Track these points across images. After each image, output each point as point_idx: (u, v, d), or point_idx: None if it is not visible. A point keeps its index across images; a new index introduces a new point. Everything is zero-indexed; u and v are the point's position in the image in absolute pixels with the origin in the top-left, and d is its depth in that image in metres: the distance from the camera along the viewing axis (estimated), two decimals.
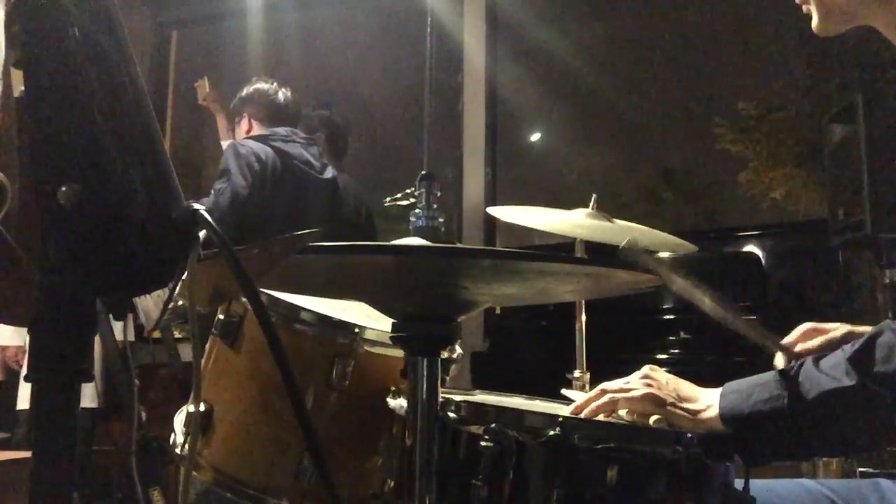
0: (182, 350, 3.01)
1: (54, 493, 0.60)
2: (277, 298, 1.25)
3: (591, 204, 1.60)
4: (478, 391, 1.45)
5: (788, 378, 1.02)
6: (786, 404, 1.00)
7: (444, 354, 0.98)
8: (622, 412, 1.11)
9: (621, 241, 1.61)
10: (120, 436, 3.34)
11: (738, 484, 1.05)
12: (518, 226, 1.58)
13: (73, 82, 0.60)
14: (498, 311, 3.82)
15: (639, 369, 1.17)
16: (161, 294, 0.68)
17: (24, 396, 3.12)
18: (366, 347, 1.27)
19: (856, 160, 2.81)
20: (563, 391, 1.46)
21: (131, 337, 3.08)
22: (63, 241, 0.60)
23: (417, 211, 1.28)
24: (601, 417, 1.11)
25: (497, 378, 3.32)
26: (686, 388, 1.12)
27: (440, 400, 0.98)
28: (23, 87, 0.60)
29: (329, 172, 3.05)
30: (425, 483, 0.94)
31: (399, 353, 1.16)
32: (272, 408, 1.26)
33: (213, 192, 2.78)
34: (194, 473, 1.27)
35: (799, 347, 1.20)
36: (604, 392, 1.13)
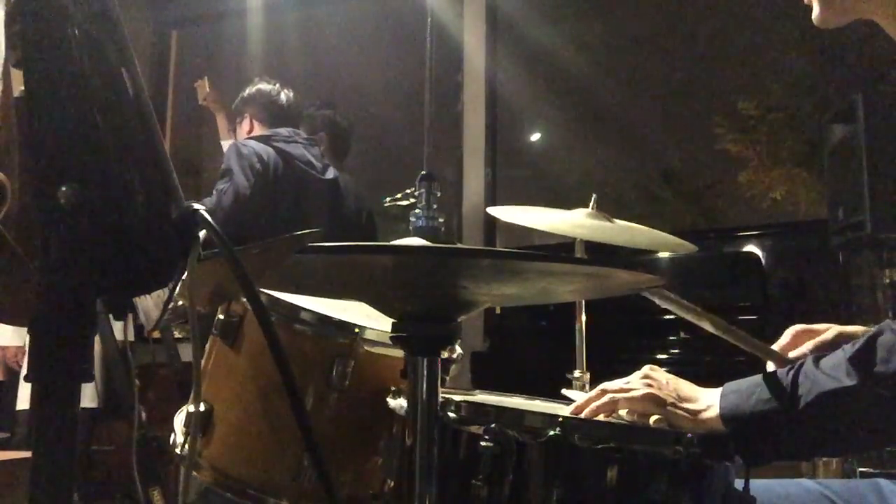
0: (182, 350, 3.01)
1: (54, 493, 0.60)
2: (277, 298, 1.25)
3: (591, 204, 1.60)
4: (478, 391, 1.45)
5: (789, 378, 1.02)
6: (786, 405, 1.00)
7: (444, 354, 0.98)
8: (622, 412, 1.11)
9: (621, 241, 1.62)
10: (120, 436, 3.34)
11: (738, 484, 1.05)
12: (518, 226, 1.58)
13: (73, 82, 0.60)
14: (498, 311, 3.82)
15: (639, 369, 1.17)
16: (161, 294, 0.68)
17: (24, 396, 3.12)
18: (366, 347, 1.27)
19: (856, 160, 2.81)
20: (563, 391, 1.46)
21: (131, 337, 3.08)
22: (63, 241, 0.60)
23: (417, 211, 1.28)
24: (601, 417, 1.11)
25: (497, 378, 3.33)
26: (686, 388, 1.12)
27: (440, 400, 0.98)
28: (23, 87, 0.60)
29: (331, 173, 3.05)
30: (425, 483, 0.94)
31: (399, 353, 1.16)
32: (272, 408, 1.26)
33: (215, 192, 2.78)
34: (194, 473, 1.27)
35: (792, 354, 1.19)
36: (604, 392, 1.13)
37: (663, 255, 3.74)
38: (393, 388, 1.20)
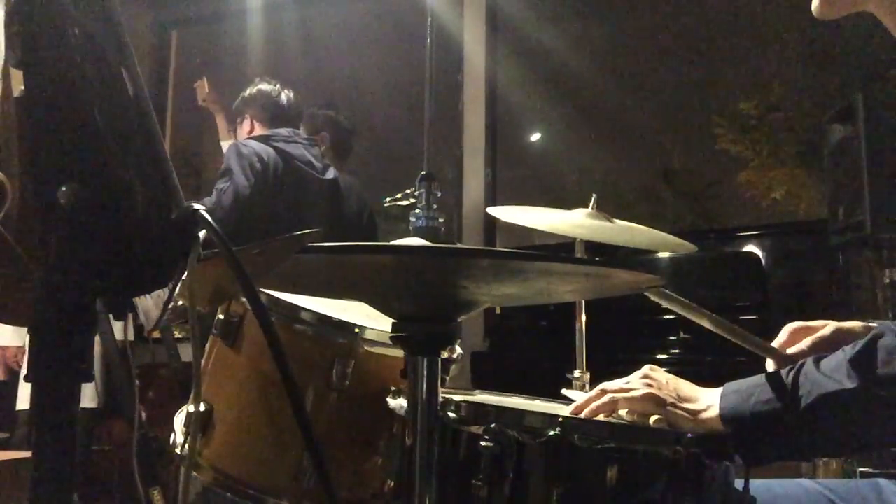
0: (182, 350, 3.01)
1: (54, 493, 0.60)
2: (277, 298, 1.25)
3: (591, 204, 1.60)
4: (478, 391, 1.45)
5: (789, 379, 1.02)
6: (786, 406, 1.00)
7: (444, 354, 0.98)
8: (622, 412, 1.11)
9: (621, 241, 1.62)
10: (120, 436, 3.34)
11: (738, 484, 1.05)
12: (518, 226, 1.58)
13: (73, 82, 0.60)
14: (498, 311, 3.82)
15: (639, 369, 1.17)
16: (161, 294, 0.68)
17: (24, 396, 3.12)
18: (366, 347, 1.27)
19: (856, 160, 2.81)
20: (563, 391, 1.46)
21: (131, 337, 3.08)
22: (63, 241, 0.60)
23: (417, 211, 1.28)
24: (601, 417, 1.11)
25: (497, 378, 3.33)
26: (686, 388, 1.12)
27: (440, 400, 0.98)
28: (23, 87, 0.60)
29: (331, 173, 3.05)
30: (425, 483, 0.94)
31: (399, 353, 1.16)
32: (272, 408, 1.26)
33: (215, 191, 2.79)
34: (194, 473, 1.27)
35: (790, 351, 1.19)
36: (604, 392, 1.13)
37: (663, 255, 3.74)
38: (393, 388, 1.20)
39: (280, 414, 1.24)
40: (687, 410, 1.08)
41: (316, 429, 0.70)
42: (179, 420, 1.36)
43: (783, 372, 1.04)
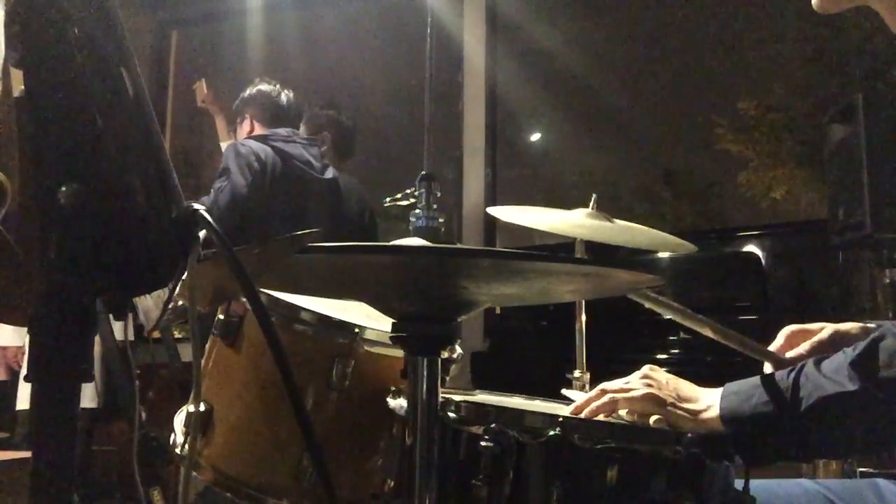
0: (182, 350, 3.01)
1: (54, 493, 0.60)
2: (277, 298, 1.25)
3: (591, 204, 1.60)
4: (478, 391, 1.45)
5: (790, 381, 1.02)
6: (787, 407, 1.00)
7: (444, 354, 0.98)
8: (622, 412, 1.11)
9: (621, 241, 1.62)
10: (120, 436, 3.34)
11: (738, 484, 1.05)
12: (518, 226, 1.58)
13: (73, 82, 0.60)
14: (498, 311, 3.82)
15: (639, 369, 1.17)
16: (161, 294, 0.68)
17: (24, 396, 3.12)
18: (366, 347, 1.27)
19: (856, 160, 2.81)
20: (563, 391, 1.46)
21: (131, 337, 3.08)
22: (63, 241, 0.60)
23: (417, 211, 1.28)
24: (601, 417, 1.11)
25: (497, 378, 3.32)
26: (686, 388, 1.12)
27: (440, 400, 0.98)
28: (23, 87, 0.60)
29: (330, 173, 3.05)
30: (425, 483, 0.94)
31: (399, 353, 1.16)
32: (272, 408, 1.26)
33: (212, 190, 2.79)
34: (194, 473, 1.27)
35: (789, 355, 1.19)
36: (604, 392, 1.13)
37: (663, 255, 3.74)
38: (393, 388, 1.19)
39: (280, 414, 1.24)
40: (687, 410, 1.08)
41: (316, 429, 0.70)
42: (179, 420, 1.36)
43: (784, 373, 1.04)
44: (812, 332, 1.21)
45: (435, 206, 1.28)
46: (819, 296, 3.86)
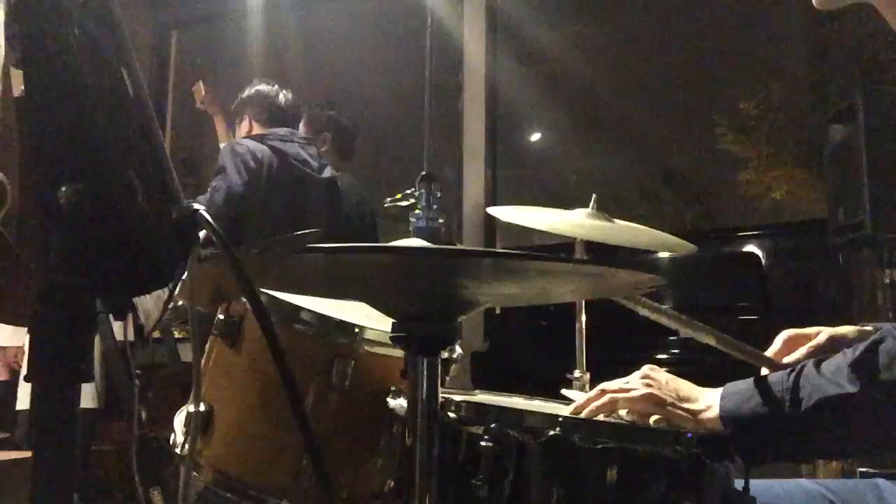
0: (182, 350, 3.01)
1: (54, 493, 0.60)
2: (277, 298, 1.25)
3: (591, 204, 1.60)
4: (478, 391, 1.45)
5: (790, 381, 1.02)
6: (787, 408, 1.00)
7: (444, 354, 0.98)
8: (622, 412, 1.11)
9: (621, 241, 1.61)
10: (120, 436, 3.34)
11: (738, 484, 1.05)
12: (518, 226, 1.58)
13: (73, 82, 0.60)
14: (498, 311, 3.82)
15: (639, 369, 1.17)
16: (161, 294, 0.68)
17: (24, 396, 3.12)
18: (366, 347, 1.27)
19: (856, 160, 2.82)
20: (563, 391, 1.46)
21: (131, 337, 3.08)
22: (63, 241, 0.60)
23: (417, 212, 1.28)
24: (601, 417, 1.11)
25: (497, 378, 3.33)
26: (686, 388, 1.12)
27: (440, 400, 0.98)
28: (23, 87, 0.60)
29: (328, 172, 3.05)
30: (425, 483, 0.94)
31: (399, 353, 1.16)
32: (272, 408, 1.26)
33: (209, 189, 2.79)
34: (194, 473, 1.27)
35: (786, 360, 1.19)
36: (604, 392, 1.13)
37: (663, 255, 3.74)
38: (393, 388, 1.19)
39: (280, 414, 1.24)
40: (687, 410, 1.08)
41: (316, 429, 0.70)
42: (179, 420, 1.36)
43: (784, 374, 1.04)
44: (809, 337, 1.21)
45: (435, 207, 1.28)
46: (819, 296, 3.86)
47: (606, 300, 1.25)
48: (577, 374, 1.64)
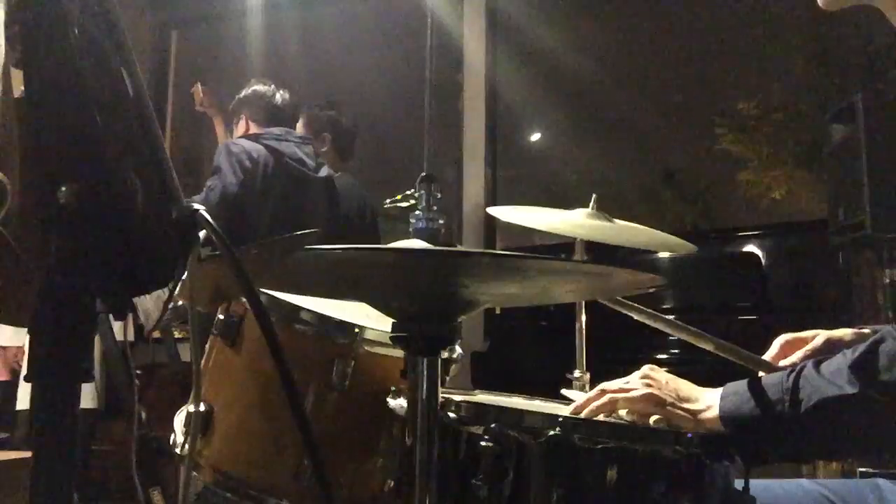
0: (182, 350, 3.01)
1: (54, 493, 0.60)
2: (277, 298, 1.25)
3: (591, 204, 1.60)
4: (478, 391, 1.45)
5: (789, 382, 1.02)
6: (786, 409, 1.00)
7: (444, 354, 0.98)
8: (622, 412, 1.11)
9: (621, 241, 1.61)
10: (120, 436, 3.34)
11: (738, 484, 1.05)
12: (518, 226, 1.58)
13: (73, 82, 0.60)
14: (498, 311, 3.82)
15: (639, 369, 1.17)
16: (161, 294, 0.68)
17: (24, 396, 3.12)
18: (366, 347, 1.27)
19: (856, 160, 2.82)
20: (563, 391, 1.46)
21: (131, 337, 3.09)
22: (63, 241, 0.60)
23: (417, 213, 1.28)
24: (601, 417, 1.11)
25: (497, 378, 3.33)
26: (686, 388, 1.12)
27: (440, 400, 0.98)
28: (23, 87, 0.60)
29: (324, 171, 3.04)
30: (425, 483, 0.94)
31: (399, 353, 1.16)
32: (272, 408, 1.26)
33: (204, 189, 2.79)
34: (194, 473, 1.27)
35: (783, 363, 1.19)
36: (604, 392, 1.13)
37: (663, 255, 3.74)
38: (393, 388, 1.19)
39: (280, 414, 1.24)
40: (687, 410, 1.08)
41: (316, 429, 0.70)
42: (179, 420, 1.36)
43: (783, 374, 1.04)
44: (806, 340, 1.21)
45: (435, 208, 1.28)
46: (819, 296, 3.86)
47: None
48: (577, 374, 1.64)
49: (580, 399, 1.17)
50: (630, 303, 1.25)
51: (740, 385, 1.07)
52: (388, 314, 0.98)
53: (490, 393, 1.42)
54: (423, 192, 1.28)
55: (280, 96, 3.11)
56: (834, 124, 3.06)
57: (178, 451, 1.31)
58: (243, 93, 3.15)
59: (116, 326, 2.26)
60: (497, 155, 4.14)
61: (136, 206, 0.62)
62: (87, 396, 2.82)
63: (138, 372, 3.17)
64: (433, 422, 0.95)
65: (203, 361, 1.35)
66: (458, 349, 1.27)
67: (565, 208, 1.64)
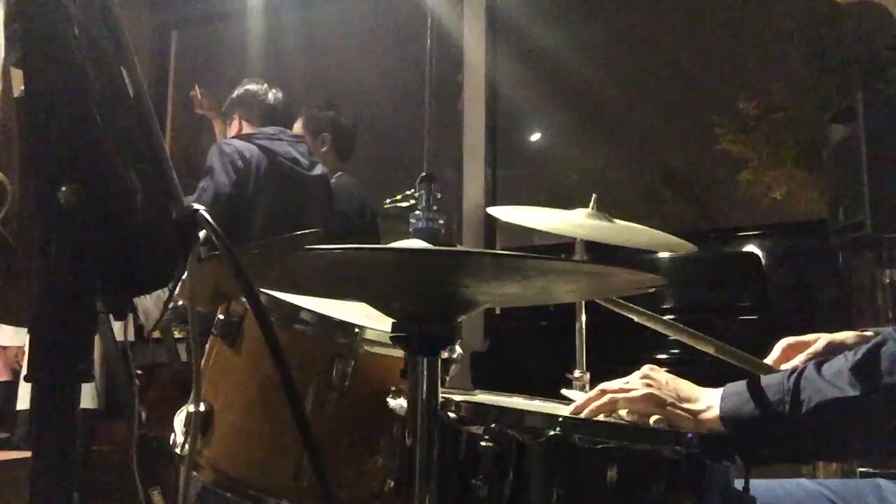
0: (182, 350, 3.01)
1: (54, 493, 0.60)
2: (277, 298, 1.25)
3: (591, 204, 1.60)
4: (478, 391, 1.45)
5: (790, 383, 1.02)
6: (787, 410, 1.00)
7: (444, 354, 0.98)
8: (622, 412, 1.11)
9: (621, 241, 1.61)
10: (120, 436, 3.34)
11: (738, 484, 1.05)
12: (518, 226, 1.58)
13: (73, 82, 0.60)
14: (498, 311, 3.82)
15: (639, 369, 1.17)
16: (161, 294, 0.68)
17: (24, 396, 3.12)
18: (366, 347, 1.27)
19: (856, 160, 2.81)
20: (563, 391, 1.46)
21: (131, 337, 3.08)
22: (63, 241, 0.60)
23: (417, 213, 1.28)
24: (601, 417, 1.11)
25: (497, 378, 3.33)
26: (686, 388, 1.12)
27: (440, 400, 0.98)
28: (23, 87, 0.60)
29: (318, 169, 3.03)
30: (425, 483, 0.94)
31: (399, 353, 1.16)
32: (272, 408, 1.26)
33: (197, 189, 2.79)
34: (194, 473, 1.27)
35: (784, 367, 1.19)
36: (604, 392, 1.13)
37: (663, 255, 3.74)
38: (393, 388, 1.19)
39: (280, 414, 1.24)
40: (687, 410, 1.08)
41: (316, 429, 0.70)
42: (179, 420, 1.36)
43: (784, 375, 1.04)
44: (807, 344, 1.21)
45: (435, 208, 1.28)
46: (819, 296, 3.85)
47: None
48: (577, 374, 1.64)
49: (580, 399, 1.17)
50: (631, 305, 1.25)
51: (741, 385, 1.07)
52: (388, 314, 0.98)
53: (490, 393, 1.42)
54: (423, 192, 1.28)
55: (273, 95, 3.09)
56: (834, 124, 3.06)
57: (178, 451, 1.31)
58: (236, 93, 3.14)
59: (116, 326, 2.26)
60: (497, 155, 4.14)
61: (136, 206, 0.62)
62: (87, 396, 2.82)
63: (138, 372, 3.17)
64: (433, 422, 0.95)
65: (203, 361, 1.35)
66: (458, 349, 1.27)
67: (565, 208, 1.64)
